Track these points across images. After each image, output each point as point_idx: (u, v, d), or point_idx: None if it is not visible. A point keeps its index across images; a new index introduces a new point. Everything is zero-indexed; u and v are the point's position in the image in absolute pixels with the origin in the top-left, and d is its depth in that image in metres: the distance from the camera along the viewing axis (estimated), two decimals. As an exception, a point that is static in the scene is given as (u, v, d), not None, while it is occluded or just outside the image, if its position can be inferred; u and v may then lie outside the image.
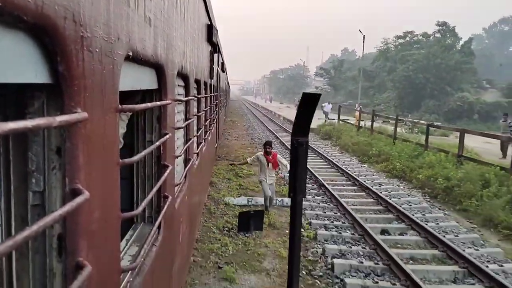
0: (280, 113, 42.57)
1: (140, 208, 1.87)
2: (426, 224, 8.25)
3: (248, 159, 9.62)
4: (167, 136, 2.54)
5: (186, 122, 3.75)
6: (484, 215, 9.17)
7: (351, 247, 7.15)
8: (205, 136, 6.31)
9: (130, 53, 1.66)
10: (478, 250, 7.20)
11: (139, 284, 1.92)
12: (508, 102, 40.18)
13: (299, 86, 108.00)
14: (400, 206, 9.49)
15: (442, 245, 7.15)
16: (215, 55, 7.92)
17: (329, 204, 9.80)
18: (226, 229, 7.74)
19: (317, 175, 12.33)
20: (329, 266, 6.43)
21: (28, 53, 0.95)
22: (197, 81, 4.79)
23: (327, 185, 11.15)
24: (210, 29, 6.07)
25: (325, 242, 7.41)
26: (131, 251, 2.28)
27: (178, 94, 3.34)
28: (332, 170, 14.30)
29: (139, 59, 1.86)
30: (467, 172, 11.34)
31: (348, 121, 26.28)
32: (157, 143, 2.35)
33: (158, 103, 2.37)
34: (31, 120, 0.84)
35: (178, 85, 3.37)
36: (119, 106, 1.52)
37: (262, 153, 8.89)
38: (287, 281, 5.18)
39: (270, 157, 8.72)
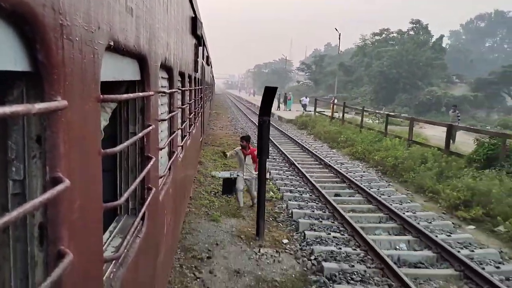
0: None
1: (123, 199, 1.87)
2: (370, 190, 10.60)
3: (227, 153, 9.75)
4: (151, 127, 2.55)
5: (170, 115, 3.77)
6: (417, 184, 11.60)
7: (307, 203, 9.47)
8: (189, 130, 6.32)
9: (112, 43, 1.66)
10: (401, 204, 9.60)
11: (123, 275, 1.93)
12: (473, 96, 43.27)
13: (282, 80, 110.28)
14: (354, 178, 11.82)
15: (376, 202, 9.50)
16: (200, 48, 7.81)
17: (296, 177, 12.10)
18: (213, 192, 9.96)
19: (289, 157, 14.62)
20: (290, 215, 8.72)
21: (7, 41, 0.95)
22: (181, 74, 4.78)
23: (297, 164, 13.42)
24: (195, 22, 5.99)
25: (289, 201, 9.68)
26: (115, 242, 2.29)
27: (162, 87, 3.34)
28: (304, 153, 16.62)
29: (121, 49, 1.86)
30: (411, 153, 13.78)
31: (324, 113, 28.71)
32: (140, 134, 2.34)
33: (141, 94, 2.39)
34: (10, 106, 0.84)
35: (162, 77, 3.39)
36: (101, 95, 1.53)
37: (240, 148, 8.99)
38: (256, 219, 7.47)
39: (247, 151, 8.80)
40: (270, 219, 8.48)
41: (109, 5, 1.60)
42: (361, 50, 56.49)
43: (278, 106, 39.80)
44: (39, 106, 0.95)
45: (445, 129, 13.92)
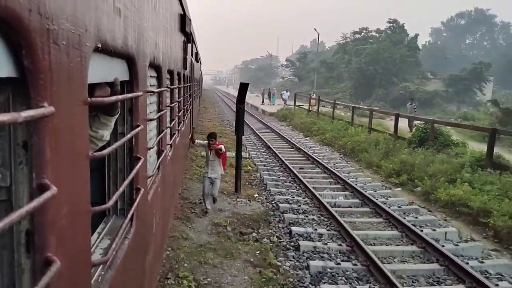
0: (249, 102, 47.48)
1: (111, 202, 1.87)
2: (328, 165, 13.33)
3: (196, 141, 9.11)
4: (139, 128, 2.54)
5: (159, 114, 3.79)
6: (368, 161, 14.39)
7: (276, 173, 12.18)
8: (178, 127, 6.34)
9: (99, 45, 1.63)
10: (349, 174, 12.38)
11: (111, 278, 1.93)
12: (444, 91, 46.51)
13: (269, 76, 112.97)
14: (317, 157, 14.53)
15: (330, 172, 12.24)
16: (189, 45, 7.87)
17: (270, 157, 14.79)
18: (202, 166, 12.61)
19: (268, 143, 17.32)
20: (262, 180, 11.41)
21: None
22: (170, 72, 4.81)
23: (272, 148, 16.11)
24: (183, 19, 6.00)
25: (262, 171, 12.36)
26: (103, 244, 2.29)
27: (150, 85, 3.32)
28: (281, 140, 19.34)
29: (109, 50, 1.83)
30: (368, 138, 16.61)
31: (303, 106, 31.49)
32: (129, 136, 2.33)
33: (130, 95, 2.35)
34: None
35: (151, 76, 3.37)
36: (88, 99, 1.50)
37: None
38: (235, 180, 10.13)
39: (212, 147, 8.27)
40: (247, 183, 11.14)
41: (96, 6, 1.59)
42: (342, 47, 59.41)
43: (263, 101, 42.51)
44: (25, 114, 0.95)
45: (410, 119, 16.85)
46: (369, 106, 34.83)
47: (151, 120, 3.31)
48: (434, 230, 7.85)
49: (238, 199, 9.38)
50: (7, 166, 1.14)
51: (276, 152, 15.16)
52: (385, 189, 11.16)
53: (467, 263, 6.33)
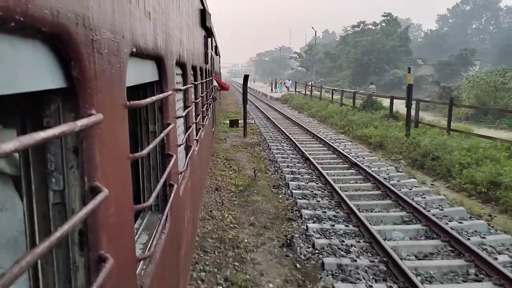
0: (260, 90, 55.30)
1: (151, 200, 1.96)
2: (307, 126, 20.95)
3: None
4: (171, 126, 2.63)
5: (186, 111, 3.88)
6: (333, 123, 21.97)
7: (270, 129, 19.96)
8: (203, 122, 6.47)
9: (134, 49, 1.71)
10: (316, 129, 20.06)
11: (152, 271, 2.02)
12: (429, 76, 53.23)
13: (282, 68, 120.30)
14: (301, 123, 22.15)
15: (304, 129, 19.92)
16: (209, 39, 8.00)
17: (269, 123, 22.53)
18: (226, 126, 20.48)
19: (268, 115, 25.10)
20: (260, 133, 19.20)
21: (45, 61, 1.01)
22: (194, 68, 4.87)
23: (272, 119, 23.83)
24: (203, 14, 6.10)
25: (261, 128, 20.11)
26: (142, 239, 2.39)
27: (176, 83, 3.38)
28: (279, 115, 27.05)
29: (142, 53, 1.90)
30: (337, 109, 24.22)
31: (302, 92, 39.11)
32: (162, 135, 2.40)
33: (161, 95, 2.42)
34: (58, 127, 0.91)
35: (176, 74, 3.43)
36: (127, 102, 1.60)
37: None
38: (243, 129, 18.16)
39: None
40: (250, 132, 18.93)
41: (130, 13, 1.64)
42: (343, 40, 66.44)
43: (272, 89, 50.29)
44: (80, 123, 1.03)
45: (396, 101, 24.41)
46: (363, 91, 42.18)
47: (179, 117, 3.40)
48: (350, 150, 15.45)
49: (245, 138, 17.22)
50: (60, 171, 1.20)
51: (274, 120, 22.92)
52: (334, 134, 18.82)
53: (364, 164, 13.97)
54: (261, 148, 15.08)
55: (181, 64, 3.57)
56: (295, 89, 39.68)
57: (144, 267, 2.00)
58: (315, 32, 49.70)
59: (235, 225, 7.25)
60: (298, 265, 5.81)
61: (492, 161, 9.83)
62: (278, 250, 6.32)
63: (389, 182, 9.85)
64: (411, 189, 9.43)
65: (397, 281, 5.31)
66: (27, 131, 1.14)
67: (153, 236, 2.31)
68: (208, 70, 8.92)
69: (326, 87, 36.58)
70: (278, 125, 20.72)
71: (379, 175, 10.54)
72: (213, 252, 6.13)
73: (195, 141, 4.85)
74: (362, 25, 62.93)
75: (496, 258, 5.86)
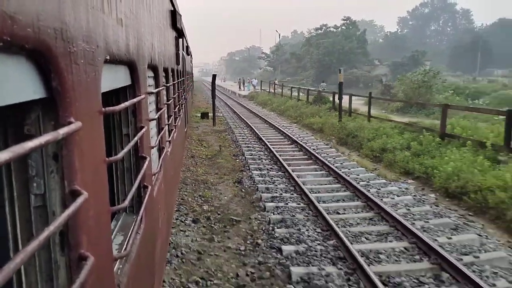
0: (230, 89, 59.10)
1: (127, 201, 2.01)
2: (266, 118, 24.86)
3: None
4: (144, 129, 2.67)
5: (159, 113, 3.95)
6: (289, 115, 26.00)
7: (236, 120, 23.81)
8: (175, 123, 6.58)
9: (108, 57, 1.76)
10: (275, 121, 24.05)
11: (128, 270, 2.09)
12: (383, 75, 58.45)
13: (252, 67, 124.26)
14: (262, 115, 26.07)
15: (265, 121, 23.83)
16: (180, 40, 8.18)
17: (235, 116, 26.35)
18: (198, 118, 24.16)
19: (237, 112, 28.85)
20: (227, 123, 22.99)
21: (28, 74, 1.06)
22: (165, 70, 4.94)
23: (239, 114, 27.60)
24: (174, 15, 6.16)
25: (228, 119, 23.91)
26: (117, 240, 2.46)
27: (149, 86, 3.43)
28: (244, 110, 30.91)
29: (115, 60, 1.96)
30: (293, 104, 28.32)
31: (267, 90, 43.16)
32: (136, 138, 2.44)
33: (135, 100, 2.46)
34: (43, 137, 0.97)
35: (149, 76, 3.47)
36: (103, 109, 1.66)
37: None
38: (213, 120, 22.01)
39: None
40: (219, 123, 22.66)
41: (104, 22, 1.69)
42: (308, 41, 71.04)
43: (240, 87, 54.20)
44: (62, 131, 1.08)
45: (356, 98, 28.59)
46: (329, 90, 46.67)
47: (152, 120, 3.48)
48: (295, 133, 19.43)
49: (214, 127, 20.95)
50: (41, 176, 1.25)
51: (239, 114, 26.76)
52: (287, 123, 22.82)
53: (302, 142, 17.93)
54: (226, 133, 18.88)
55: (153, 67, 3.63)
56: (261, 87, 43.70)
57: (121, 266, 2.05)
58: (279, 35, 54.05)
59: (205, 174, 11.05)
60: (243, 190, 9.67)
61: (387, 136, 13.98)
62: (233, 184, 10.16)
63: (316, 152, 13.80)
64: (333, 158, 13.37)
65: (302, 195, 9.17)
66: (8, 139, 1.24)
67: (128, 236, 2.36)
68: (180, 71, 9.26)
69: (289, 86, 40.76)
70: (242, 117, 24.55)
71: (311, 147, 14.51)
72: (191, 184, 9.92)
73: (168, 142, 4.93)
74: (324, 27, 67.68)
75: (369, 190, 9.72)
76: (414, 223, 7.21)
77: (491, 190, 8.02)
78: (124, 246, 2.27)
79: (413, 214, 7.82)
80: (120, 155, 1.93)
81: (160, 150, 4.10)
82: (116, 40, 1.94)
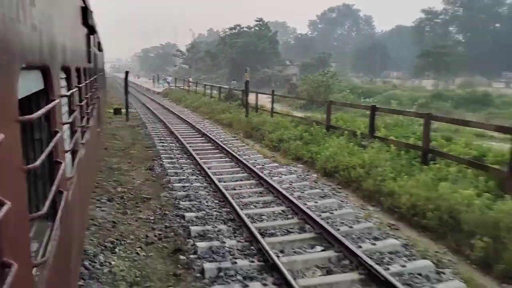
0: (144, 85, 58.62)
1: (45, 208, 2.00)
2: (180, 114, 25.86)
3: None
4: (59, 134, 2.62)
5: (72, 116, 3.91)
6: (202, 111, 27.30)
7: (149, 115, 24.53)
8: (88, 124, 6.53)
9: (24, 64, 1.77)
10: (188, 117, 25.20)
11: (45, 277, 2.10)
12: (294, 75, 62.30)
13: (167, 64, 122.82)
14: (176, 111, 27.01)
15: (177, 116, 24.86)
16: (91, 36, 8.02)
17: (151, 114, 26.94)
18: (111, 114, 24.45)
19: (151, 108, 29.42)
20: (139, 116, 23.65)
21: None
22: (77, 70, 4.86)
23: (153, 110, 28.25)
24: (85, 12, 6.05)
25: (141, 115, 24.56)
26: (34, 247, 2.39)
27: (61, 87, 3.37)
28: (159, 106, 31.57)
29: (30, 66, 1.97)
30: (205, 101, 29.66)
31: (181, 87, 43.98)
32: (52, 144, 2.40)
33: (50, 105, 2.42)
34: None
35: (61, 78, 3.41)
36: (19, 117, 1.67)
37: None
38: (126, 116, 22.64)
39: None
40: (132, 118, 23.22)
41: (20, 32, 1.70)
42: (222, 40, 72.76)
43: (154, 84, 54.16)
44: None
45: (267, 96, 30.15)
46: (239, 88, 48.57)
47: (66, 123, 3.44)
48: (206, 127, 20.79)
49: (127, 122, 21.53)
50: None
51: (153, 110, 27.44)
52: (200, 119, 24.13)
53: (211, 135, 19.33)
54: (140, 128, 19.70)
55: (65, 69, 3.57)
56: (175, 84, 44.38)
57: (38, 273, 2.04)
58: (193, 34, 55.18)
59: (119, 163, 12.02)
60: (154, 175, 10.88)
61: (285, 129, 16.01)
62: (145, 171, 11.30)
63: (223, 143, 15.34)
64: (237, 148, 15.00)
65: (206, 177, 10.61)
66: None
67: (44, 243, 2.34)
68: (92, 69, 9.20)
69: (204, 83, 42.04)
70: (156, 113, 25.35)
71: (219, 140, 16.03)
72: (104, 172, 10.88)
73: (81, 144, 4.86)
74: (238, 27, 69.90)
75: (262, 172, 11.42)
76: (292, 194, 9.04)
77: (354, 168, 10.20)
78: (41, 253, 2.26)
79: (294, 188, 9.70)
80: (38, 162, 1.95)
81: (74, 153, 4.03)
82: (30, 45, 1.95)
